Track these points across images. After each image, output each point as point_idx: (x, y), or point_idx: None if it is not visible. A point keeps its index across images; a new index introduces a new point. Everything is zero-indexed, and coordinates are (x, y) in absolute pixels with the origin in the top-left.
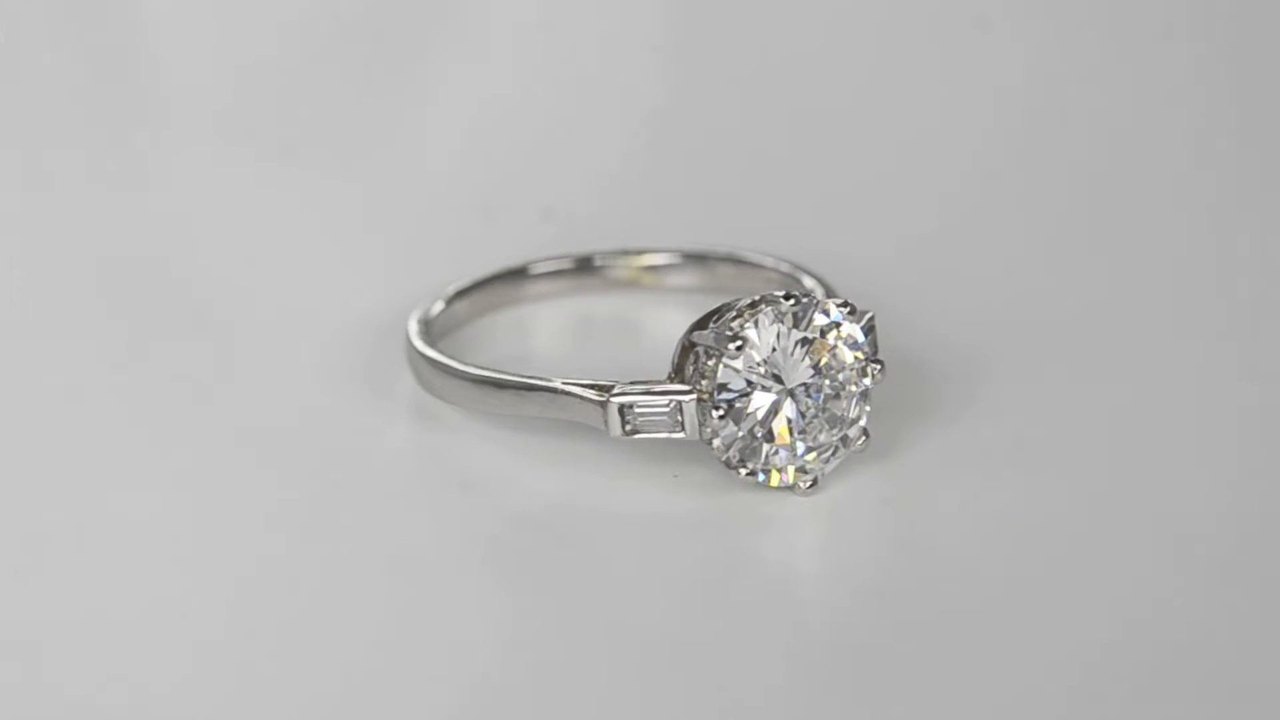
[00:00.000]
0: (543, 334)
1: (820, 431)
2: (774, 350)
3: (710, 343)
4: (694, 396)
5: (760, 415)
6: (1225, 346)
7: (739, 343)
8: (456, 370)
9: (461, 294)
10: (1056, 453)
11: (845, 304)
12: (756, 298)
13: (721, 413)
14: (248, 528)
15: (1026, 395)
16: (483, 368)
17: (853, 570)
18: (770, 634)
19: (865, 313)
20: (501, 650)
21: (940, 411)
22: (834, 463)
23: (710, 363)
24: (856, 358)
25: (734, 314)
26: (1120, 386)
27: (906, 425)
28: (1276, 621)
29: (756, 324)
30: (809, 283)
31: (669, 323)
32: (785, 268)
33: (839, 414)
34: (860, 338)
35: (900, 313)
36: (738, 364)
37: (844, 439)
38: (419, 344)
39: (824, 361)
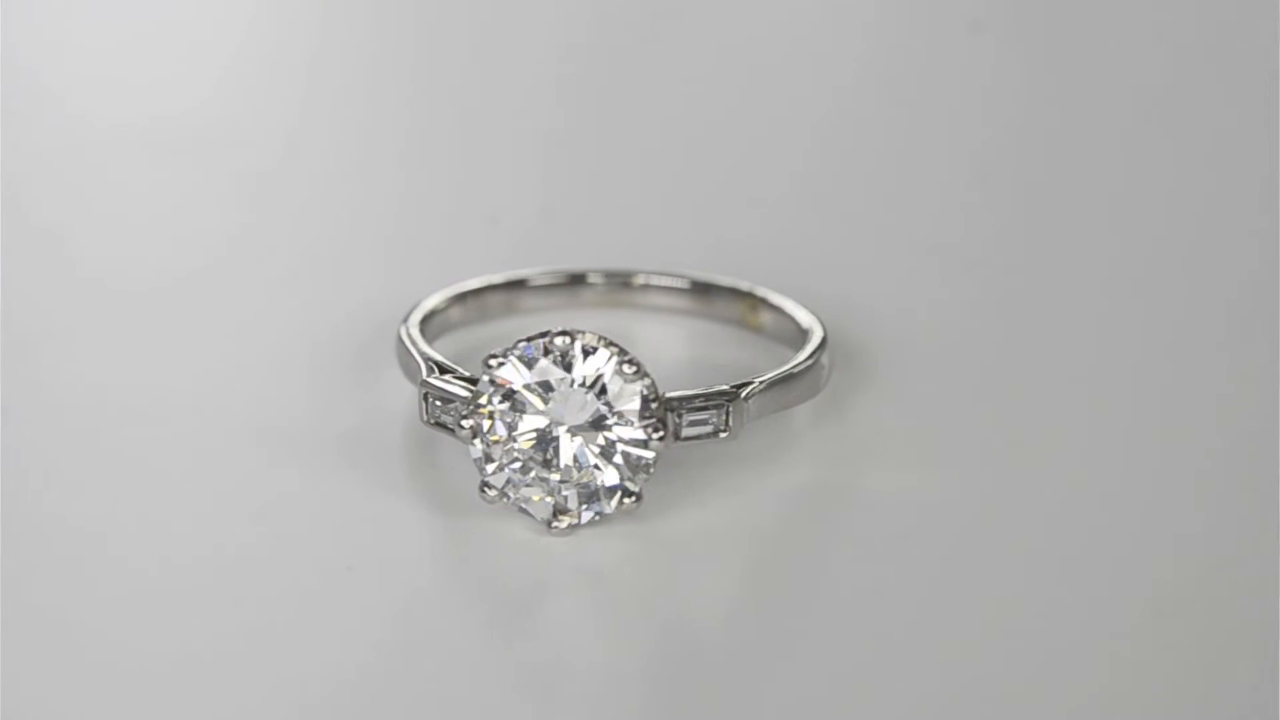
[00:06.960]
0: None
1: (555, 476)
2: (528, 381)
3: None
4: (467, 398)
5: (495, 432)
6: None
7: (499, 360)
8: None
9: (458, 298)
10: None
11: (631, 361)
12: (542, 331)
13: (470, 423)
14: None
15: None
16: (405, 324)
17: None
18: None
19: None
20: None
21: (710, 485)
22: (587, 515)
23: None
24: (626, 415)
25: (526, 337)
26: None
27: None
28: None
29: (519, 350)
30: (805, 320)
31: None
32: (787, 305)
33: (575, 462)
34: (636, 404)
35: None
36: (490, 380)
37: (610, 491)
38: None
39: (581, 408)
